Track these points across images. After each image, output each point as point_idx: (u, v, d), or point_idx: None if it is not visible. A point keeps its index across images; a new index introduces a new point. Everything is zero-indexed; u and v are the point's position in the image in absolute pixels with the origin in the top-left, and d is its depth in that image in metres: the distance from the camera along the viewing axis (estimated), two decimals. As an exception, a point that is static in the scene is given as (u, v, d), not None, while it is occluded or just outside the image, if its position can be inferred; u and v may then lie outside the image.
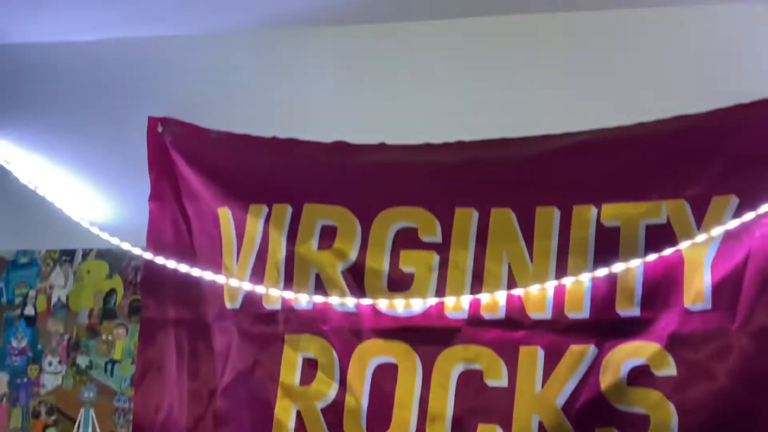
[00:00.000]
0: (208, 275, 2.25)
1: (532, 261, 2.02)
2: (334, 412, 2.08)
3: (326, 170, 2.26)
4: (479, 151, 2.16)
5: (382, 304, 2.09)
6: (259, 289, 2.20)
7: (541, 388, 1.95)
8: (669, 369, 1.88)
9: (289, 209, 2.22)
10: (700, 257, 1.91)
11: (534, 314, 1.99)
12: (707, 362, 1.87)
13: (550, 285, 1.98)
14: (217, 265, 2.27)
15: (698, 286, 1.89)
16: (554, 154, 2.08)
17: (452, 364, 2.02)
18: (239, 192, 2.28)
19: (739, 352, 1.85)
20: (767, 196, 1.88)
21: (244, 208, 2.26)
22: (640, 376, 1.89)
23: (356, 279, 2.13)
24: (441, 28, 2.36)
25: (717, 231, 1.91)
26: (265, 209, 2.24)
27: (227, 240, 2.28)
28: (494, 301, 2.01)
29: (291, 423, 2.11)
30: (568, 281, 1.97)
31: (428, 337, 2.05)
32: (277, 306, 2.19)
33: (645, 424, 1.88)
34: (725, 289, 1.88)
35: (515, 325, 2.00)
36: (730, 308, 1.88)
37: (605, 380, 1.91)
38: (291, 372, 2.14)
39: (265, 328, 2.19)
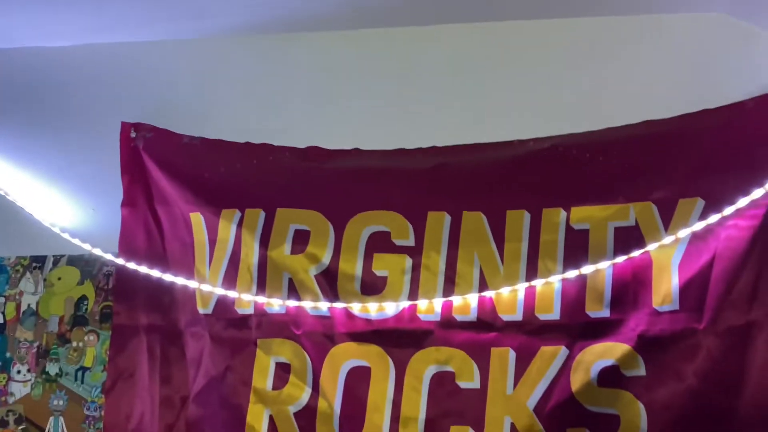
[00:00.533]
0: (180, 281, 2.24)
1: (503, 263, 2.03)
2: (307, 416, 2.07)
3: (299, 175, 2.27)
4: (451, 156, 2.18)
5: (356, 307, 2.09)
6: (232, 294, 2.19)
7: (512, 389, 1.96)
8: (638, 369, 1.90)
9: (262, 214, 2.23)
10: (668, 259, 1.94)
11: (505, 316, 2.01)
12: (675, 362, 1.89)
13: (521, 287, 2.00)
14: (189, 271, 2.26)
15: (666, 287, 1.92)
16: (524, 157, 2.11)
17: (425, 366, 2.03)
18: (212, 197, 2.27)
19: (706, 351, 1.88)
20: (732, 198, 1.92)
21: (217, 212, 2.26)
22: (610, 376, 1.91)
23: (329, 283, 2.13)
24: (416, 35, 2.38)
25: (683, 233, 1.94)
26: (237, 214, 2.24)
27: (199, 245, 2.27)
28: (466, 303, 2.03)
29: (263, 428, 2.10)
30: (538, 283, 1.99)
31: (401, 339, 2.05)
32: (250, 310, 2.18)
33: (615, 424, 1.90)
34: (692, 290, 1.91)
35: (487, 326, 2.02)
36: (697, 309, 1.90)
37: (576, 381, 1.92)
38: (263, 376, 2.13)
39: (238, 332, 2.18)
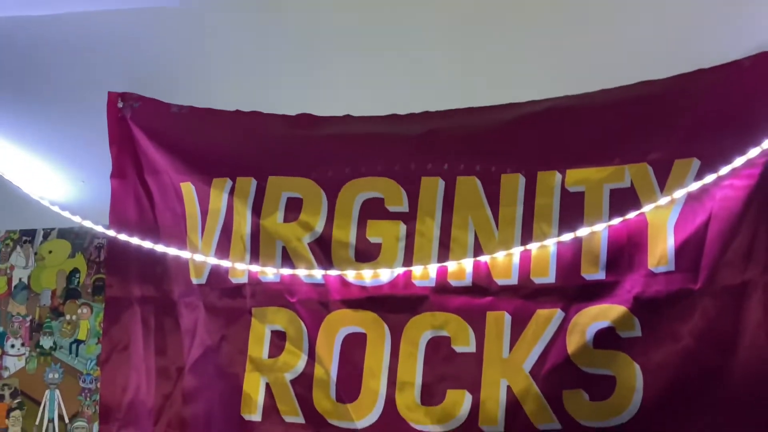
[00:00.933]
0: (172, 251, 2.22)
1: (497, 227, 2.02)
2: (304, 383, 2.07)
3: (291, 142, 2.24)
4: (444, 121, 2.15)
5: (350, 274, 2.08)
6: (225, 264, 2.18)
7: (508, 353, 1.96)
8: (634, 330, 1.90)
9: (254, 182, 2.20)
10: (664, 220, 1.93)
11: (500, 280, 2.00)
12: (671, 323, 1.90)
13: (516, 251, 1.99)
14: (181, 241, 2.24)
15: (662, 249, 1.91)
16: (519, 121, 2.09)
17: (420, 331, 2.03)
18: (202, 166, 2.25)
19: (702, 311, 1.88)
20: (728, 158, 1.91)
21: (208, 181, 2.23)
22: (605, 338, 1.91)
23: (323, 250, 2.12)
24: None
25: (679, 194, 1.93)
26: (228, 182, 2.21)
27: (191, 215, 2.25)
28: (461, 268, 2.02)
29: (260, 396, 2.10)
30: (533, 247, 1.98)
31: (396, 305, 2.05)
32: (244, 280, 2.17)
33: (611, 385, 1.90)
34: (688, 251, 1.91)
35: (482, 291, 2.01)
36: (692, 269, 1.90)
37: (572, 343, 1.92)
38: (259, 345, 2.13)
39: (232, 302, 2.17)
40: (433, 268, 2.04)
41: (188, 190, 2.25)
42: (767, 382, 1.83)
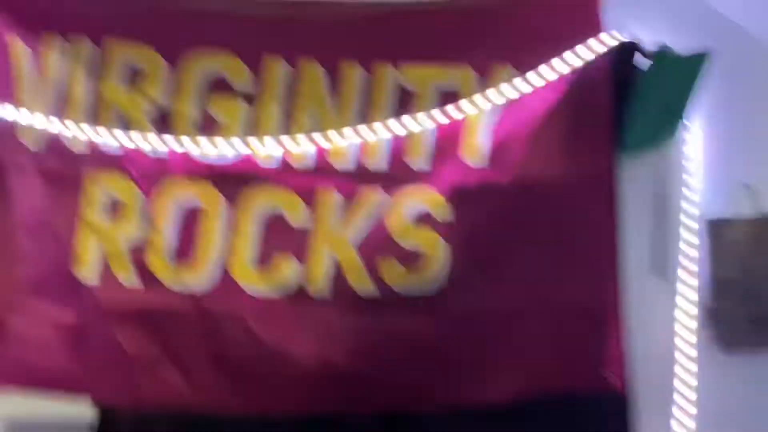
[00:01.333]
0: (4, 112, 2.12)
1: (337, 116, 2.15)
2: (139, 248, 2.13)
3: (129, 2, 2.19)
4: (296, 11, 2.20)
5: (195, 150, 2.11)
6: (62, 130, 2.12)
7: (336, 228, 2.14)
8: (447, 215, 2.15)
9: (89, 43, 2.14)
10: (481, 121, 2.16)
11: (338, 165, 2.16)
12: (480, 211, 2.16)
13: (353, 138, 2.14)
14: (10, 99, 2.14)
15: (479, 146, 2.16)
16: (360, 18, 2.21)
17: (256, 205, 2.14)
18: (30, 18, 2.14)
19: (511, 203, 2.16)
20: (540, 69, 2.14)
21: (36, 36, 2.13)
22: (422, 218, 2.15)
23: (164, 124, 2.13)
24: None
25: (496, 98, 2.17)
26: (61, 41, 2.14)
27: (20, 72, 2.15)
28: (303, 152, 2.14)
29: (94, 259, 2.13)
30: (369, 136, 2.15)
31: (235, 180, 2.14)
32: (81, 147, 2.14)
33: (421, 257, 2.15)
34: (502, 150, 2.16)
35: (318, 171, 2.16)
36: (504, 166, 2.16)
37: (391, 220, 2.15)
38: (93, 208, 2.13)
39: (68, 167, 2.14)
40: (276, 150, 2.13)
41: (17, 44, 2.14)
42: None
